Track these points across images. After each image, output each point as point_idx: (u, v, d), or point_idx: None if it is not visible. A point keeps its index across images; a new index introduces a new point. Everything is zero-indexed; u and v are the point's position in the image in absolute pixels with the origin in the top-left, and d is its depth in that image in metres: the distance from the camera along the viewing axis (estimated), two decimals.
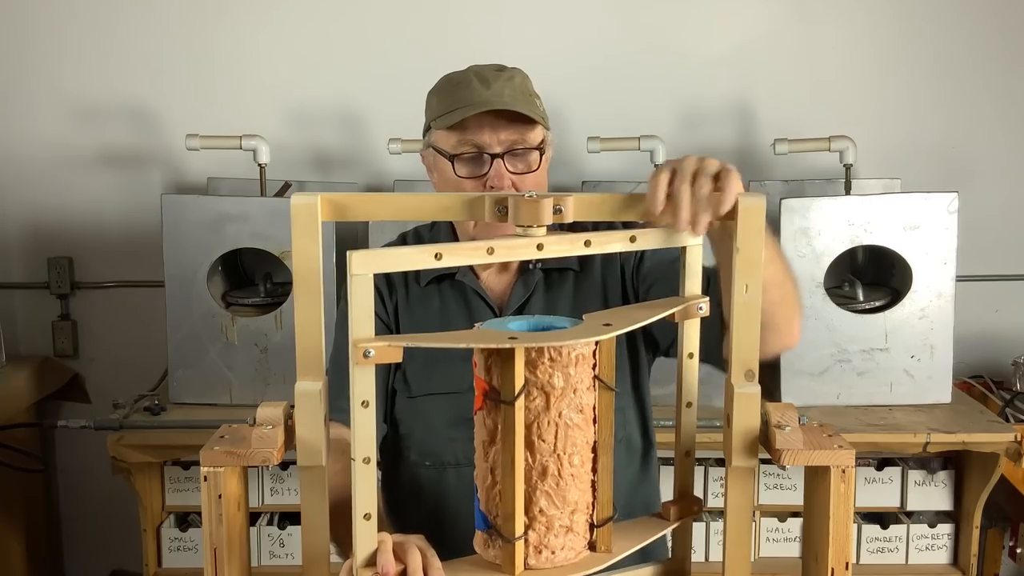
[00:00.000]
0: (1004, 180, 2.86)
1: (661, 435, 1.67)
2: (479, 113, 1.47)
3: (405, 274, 1.59)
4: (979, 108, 2.84)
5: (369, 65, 2.80)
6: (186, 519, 2.55)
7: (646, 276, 1.54)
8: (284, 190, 2.61)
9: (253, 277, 2.61)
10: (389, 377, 1.56)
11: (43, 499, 2.91)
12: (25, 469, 2.59)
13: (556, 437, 1.04)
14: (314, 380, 1.03)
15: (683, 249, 1.14)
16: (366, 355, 0.98)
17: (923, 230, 2.39)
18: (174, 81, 2.80)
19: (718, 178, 1.11)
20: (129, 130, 2.83)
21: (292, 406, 1.05)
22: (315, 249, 1.02)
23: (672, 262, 1.24)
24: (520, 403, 1.01)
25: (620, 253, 1.54)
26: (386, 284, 1.59)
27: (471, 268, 1.58)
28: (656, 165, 2.38)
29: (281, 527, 2.51)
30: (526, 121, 1.49)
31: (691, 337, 1.17)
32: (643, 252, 1.55)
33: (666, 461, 1.77)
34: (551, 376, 1.03)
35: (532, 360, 1.03)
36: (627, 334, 1.47)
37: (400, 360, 1.01)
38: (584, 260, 1.58)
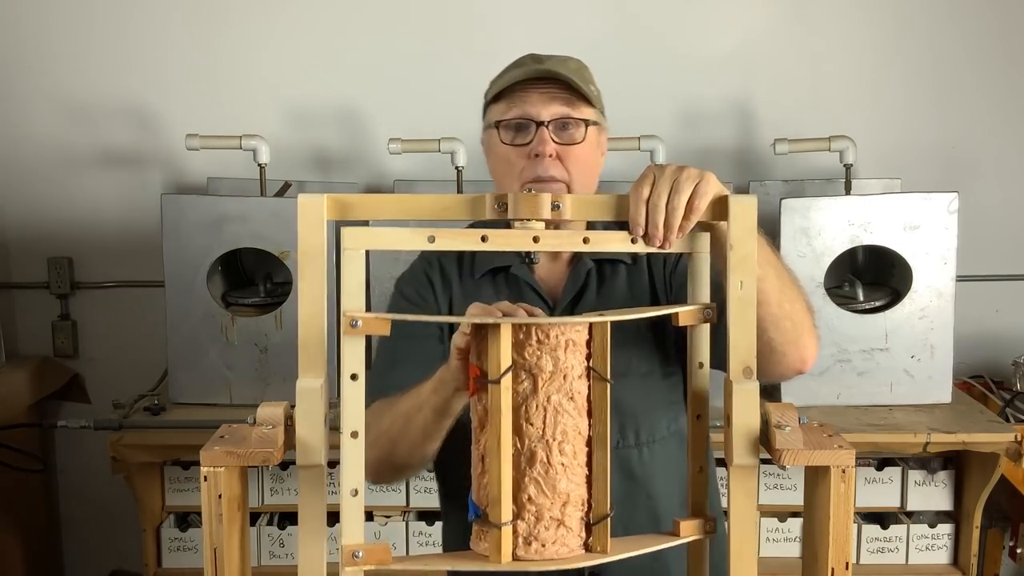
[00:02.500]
0: (1004, 180, 2.86)
1: None
2: (529, 83, 1.46)
3: (459, 267, 1.56)
4: (979, 108, 2.84)
5: (369, 65, 2.80)
6: (186, 519, 2.55)
7: (679, 276, 1.51)
8: (284, 190, 2.61)
9: (253, 277, 2.61)
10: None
11: (43, 499, 2.91)
12: (25, 469, 2.59)
13: (545, 422, 1.03)
14: (316, 377, 1.03)
15: (690, 256, 1.13)
16: (353, 325, 1.03)
17: (923, 230, 2.39)
18: (174, 81, 2.81)
19: (695, 191, 1.11)
20: (129, 130, 2.83)
21: (292, 406, 1.06)
22: (320, 248, 1.04)
23: None
24: (507, 383, 1.02)
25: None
26: (440, 278, 1.56)
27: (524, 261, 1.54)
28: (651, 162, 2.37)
29: (281, 527, 2.51)
30: (577, 98, 1.47)
31: (699, 346, 1.14)
32: (680, 254, 1.53)
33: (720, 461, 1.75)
34: (539, 358, 1.03)
35: (520, 342, 1.03)
36: (660, 338, 1.48)
37: (388, 333, 1.05)
38: (634, 254, 1.52)
